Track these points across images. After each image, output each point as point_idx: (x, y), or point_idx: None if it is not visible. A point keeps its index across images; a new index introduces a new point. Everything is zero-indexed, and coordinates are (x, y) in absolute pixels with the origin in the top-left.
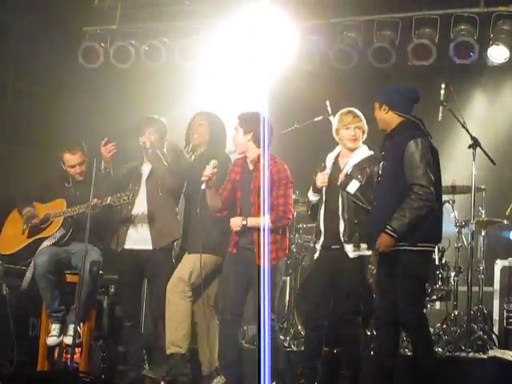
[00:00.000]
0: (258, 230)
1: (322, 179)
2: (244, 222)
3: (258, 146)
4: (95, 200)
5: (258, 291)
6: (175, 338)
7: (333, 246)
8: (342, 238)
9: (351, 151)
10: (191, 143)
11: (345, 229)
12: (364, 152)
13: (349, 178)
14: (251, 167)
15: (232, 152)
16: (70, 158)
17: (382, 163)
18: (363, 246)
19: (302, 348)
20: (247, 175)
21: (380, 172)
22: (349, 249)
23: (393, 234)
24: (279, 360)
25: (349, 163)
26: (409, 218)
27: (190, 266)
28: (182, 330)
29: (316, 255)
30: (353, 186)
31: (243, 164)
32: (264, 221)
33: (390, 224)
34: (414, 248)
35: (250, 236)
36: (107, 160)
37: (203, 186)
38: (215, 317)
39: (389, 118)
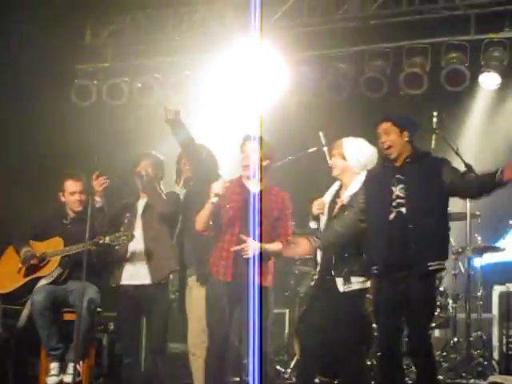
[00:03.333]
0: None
1: (317, 205)
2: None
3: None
4: (93, 239)
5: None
6: None
7: (327, 277)
8: (332, 272)
9: (346, 182)
10: (183, 176)
11: (335, 261)
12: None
13: (342, 209)
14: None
15: None
16: (73, 185)
17: (401, 186)
18: (355, 279)
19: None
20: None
21: (402, 195)
22: (339, 282)
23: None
24: None
25: (345, 194)
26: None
27: (202, 307)
28: None
29: (312, 283)
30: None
31: (241, 185)
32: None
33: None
34: (431, 268)
35: (245, 263)
36: (100, 194)
37: (214, 200)
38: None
39: (406, 146)
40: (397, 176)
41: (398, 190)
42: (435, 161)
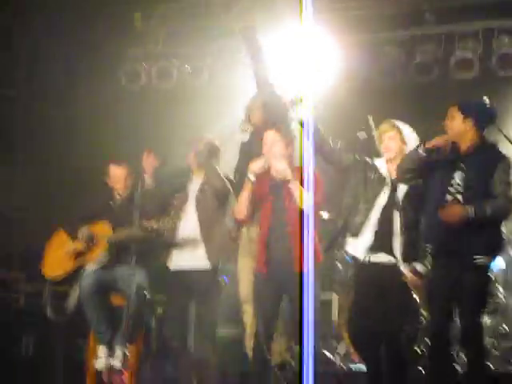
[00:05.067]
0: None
1: None
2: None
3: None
4: (142, 223)
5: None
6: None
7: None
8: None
9: None
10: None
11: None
12: None
13: None
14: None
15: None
16: (116, 170)
17: (462, 176)
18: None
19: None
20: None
21: (462, 183)
22: (403, 267)
23: (469, 211)
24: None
25: None
26: (489, 211)
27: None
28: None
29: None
30: None
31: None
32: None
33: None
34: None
35: (284, 244)
36: (149, 173)
37: (251, 177)
38: None
39: (468, 133)
40: (460, 164)
41: (458, 178)
42: (496, 155)
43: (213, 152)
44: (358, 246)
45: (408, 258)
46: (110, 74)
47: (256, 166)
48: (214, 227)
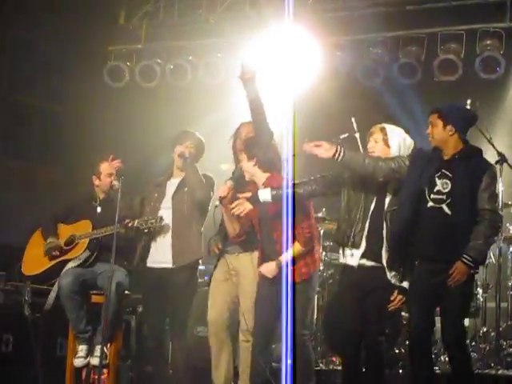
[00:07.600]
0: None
1: None
2: (278, 264)
3: (264, 171)
4: (123, 222)
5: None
6: None
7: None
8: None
9: None
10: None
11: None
12: None
13: None
14: None
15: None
16: (108, 167)
17: (445, 181)
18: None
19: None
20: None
21: (444, 190)
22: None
23: (471, 264)
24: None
25: None
26: (486, 247)
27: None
28: None
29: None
30: None
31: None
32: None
33: (468, 253)
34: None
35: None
36: (114, 177)
37: (217, 203)
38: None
39: (451, 140)
40: (443, 170)
41: (440, 184)
42: (482, 164)
43: (199, 149)
44: (354, 256)
45: (393, 265)
46: (93, 71)
47: (221, 190)
48: (185, 229)
